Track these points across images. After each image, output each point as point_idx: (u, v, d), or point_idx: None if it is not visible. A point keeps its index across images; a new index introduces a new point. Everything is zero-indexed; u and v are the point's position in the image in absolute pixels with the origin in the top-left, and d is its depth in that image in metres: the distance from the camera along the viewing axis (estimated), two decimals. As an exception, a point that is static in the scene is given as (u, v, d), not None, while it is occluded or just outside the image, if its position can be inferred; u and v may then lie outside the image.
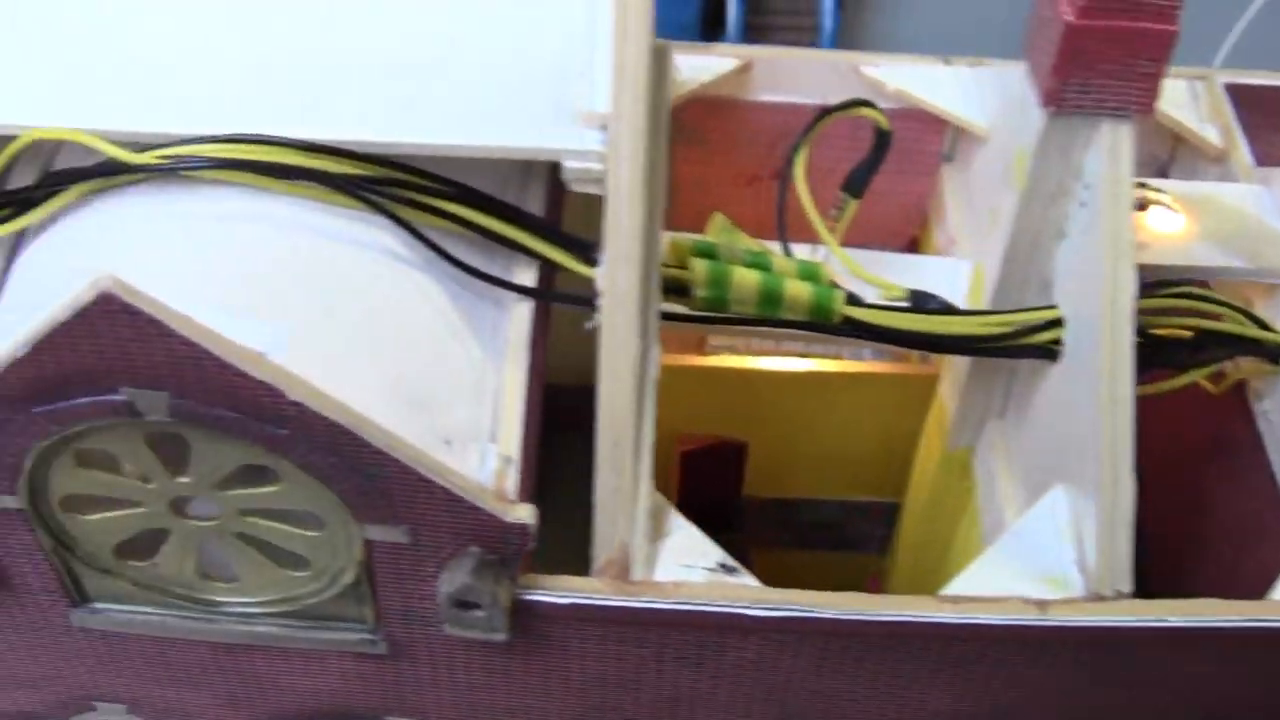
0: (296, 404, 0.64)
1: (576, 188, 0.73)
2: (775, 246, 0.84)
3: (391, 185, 0.72)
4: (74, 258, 0.72)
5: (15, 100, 0.75)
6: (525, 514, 0.68)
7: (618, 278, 0.71)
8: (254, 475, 0.69)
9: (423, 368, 0.71)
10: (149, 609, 0.77)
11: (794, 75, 0.93)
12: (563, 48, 0.76)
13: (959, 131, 0.94)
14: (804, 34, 1.37)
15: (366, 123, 0.73)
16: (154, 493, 0.70)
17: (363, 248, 0.73)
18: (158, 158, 0.72)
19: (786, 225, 0.83)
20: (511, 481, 0.70)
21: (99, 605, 0.77)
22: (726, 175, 0.96)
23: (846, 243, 0.88)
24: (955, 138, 0.95)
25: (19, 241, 0.80)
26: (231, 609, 0.76)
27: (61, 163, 0.80)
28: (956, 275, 0.87)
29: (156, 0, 0.79)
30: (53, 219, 0.76)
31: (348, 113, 0.74)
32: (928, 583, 0.95)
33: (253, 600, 0.75)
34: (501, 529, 0.69)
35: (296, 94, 0.75)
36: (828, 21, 1.36)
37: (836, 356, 0.97)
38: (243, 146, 0.71)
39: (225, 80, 0.76)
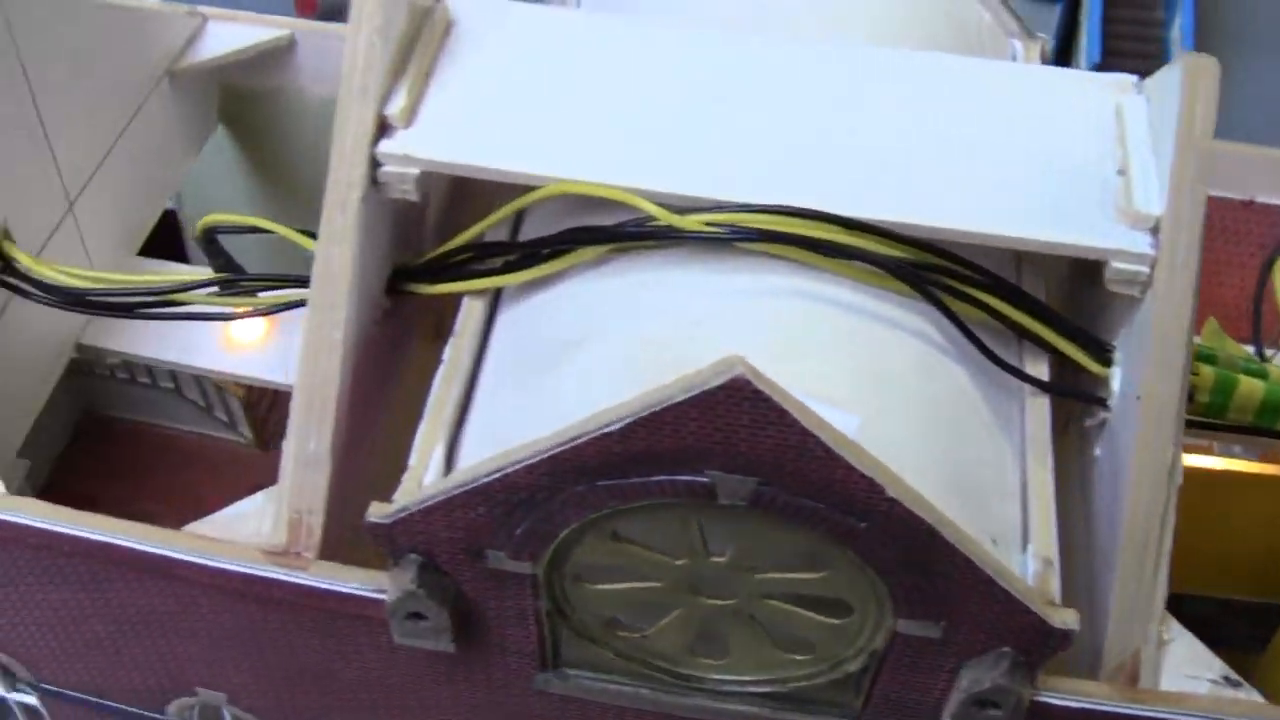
0: (891, 500, 0.62)
1: (1115, 289, 0.72)
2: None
3: (932, 270, 0.71)
4: (618, 324, 0.71)
5: (533, 150, 0.74)
6: (1070, 619, 0.67)
7: (1159, 385, 0.70)
8: (796, 560, 0.67)
9: (968, 463, 0.70)
10: (622, 679, 0.75)
11: (1221, 168, 0.92)
12: (1096, 141, 0.75)
13: (1378, 235, 0.93)
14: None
15: (907, 205, 0.72)
16: (679, 569, 0.69)
17: (908, 334, 0.71)
18: (706, 224, 0.70)
19: (1261, 329, 0.82)
20: (1054, 585, 0.68)
21: (570, 671, 0.75)
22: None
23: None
24: (1372, 242, 0.94)
25: (499, 292, 0.78)
26: (712, 685, 0.74)
27: (536, 221, 0.78)
28: (1389, 385, 0.87)
29: (683, 63, 0.78)
30: (560, 277, 0.75)
31: (886, 193, 0.72)
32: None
33: (739, 679, 0.74)
34: (1044, 632, 0.67)
35: (832, 169, 0.73)
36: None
37: (1207, 450, 0.96)
38: (792, 219, 0.70)
39: (754, 148, 0.74)
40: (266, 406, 1.08)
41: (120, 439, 1.06)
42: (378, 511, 0.69)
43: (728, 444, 0.61)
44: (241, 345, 0.88)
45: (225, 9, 0.96)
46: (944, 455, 0.69)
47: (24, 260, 0.80)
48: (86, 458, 1.05)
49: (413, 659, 0.77)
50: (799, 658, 0.72)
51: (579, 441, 0.63)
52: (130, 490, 1.04)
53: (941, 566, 0.65)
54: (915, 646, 0.70)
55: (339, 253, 0.72)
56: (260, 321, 0.89)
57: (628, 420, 0.61)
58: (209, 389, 1.03)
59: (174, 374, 1.03)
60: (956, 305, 0.71)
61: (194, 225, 1.02)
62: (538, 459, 0.64)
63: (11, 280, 0.81)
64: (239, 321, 0.87)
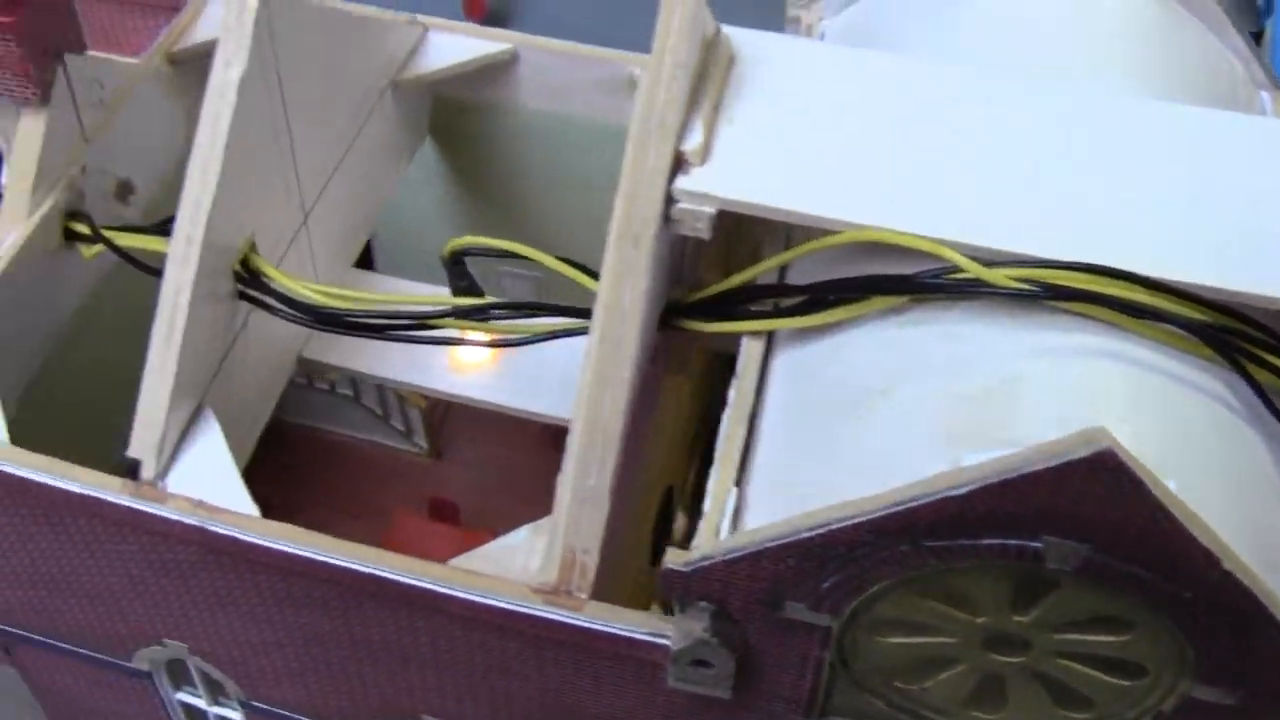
0: (1225, 572, 0.62)
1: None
2: None
3: (1230, 334, 0.71)
4: (926, 376, 0.70)
5: (827, 193, 0.73)
6: (1369, 695, 0.68)
7: None
8: (1099, 622, 0.67)
9: (1266, 528, 0.70)
10: (887, 728, 0.75)
11: None
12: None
13: None
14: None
15: (1202, 265, 0.72)
16: (978, 626, 0.68)
17: (1209, 398, 0.71)
18: (1014, 279, 0.70)
19: None
20: (1353, 658, 0.69)
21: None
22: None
23: None
24: None
25: (773, 333, 0.77)
26: (981, 738, 0.74)
27: (806, 262, 0.77)
28: None
29: (964, 107, 0.77)
30: (850, 322, 0.74)
31: (1179, 251, 0.72)
32: None
33: (1008, 733, 0.74)
34: (1342, 706, 0.68)
35: (1124, 225, 0.73)
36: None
37: None
38: (1104, 279, 0.69)
39: (1044, 200, 0.74)
40: (440, 416, 1.06)
41: (294, 444, 1.05)
42: (676, 559, 0.68)
43: (1072, 512, 0.61)
44: (469, 367, 0.87)
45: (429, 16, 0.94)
46: (1247, 521, 0.69)
47: (274, 275, 0.78)
48: (259, 462, 1.03)
49: (672, 700, 0.76)
50: (1077, 715, 0.72)
51: (916, 503, 0.62)
52: (305, 496, 1.03)
53: (1256, 638, 0.65)
54: (1205, 712, 0.70)
55: (631, 287, 0.71)
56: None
57: (975, 485, 0.61)
58: (389, 397, 1.02)
59: (354, 381, 1.01)
60: (1252, 369, 0.71)
61: (384, 234, 1.01)
62: (868, 518, 0.63)
63: (257, 294, 0.79)
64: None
